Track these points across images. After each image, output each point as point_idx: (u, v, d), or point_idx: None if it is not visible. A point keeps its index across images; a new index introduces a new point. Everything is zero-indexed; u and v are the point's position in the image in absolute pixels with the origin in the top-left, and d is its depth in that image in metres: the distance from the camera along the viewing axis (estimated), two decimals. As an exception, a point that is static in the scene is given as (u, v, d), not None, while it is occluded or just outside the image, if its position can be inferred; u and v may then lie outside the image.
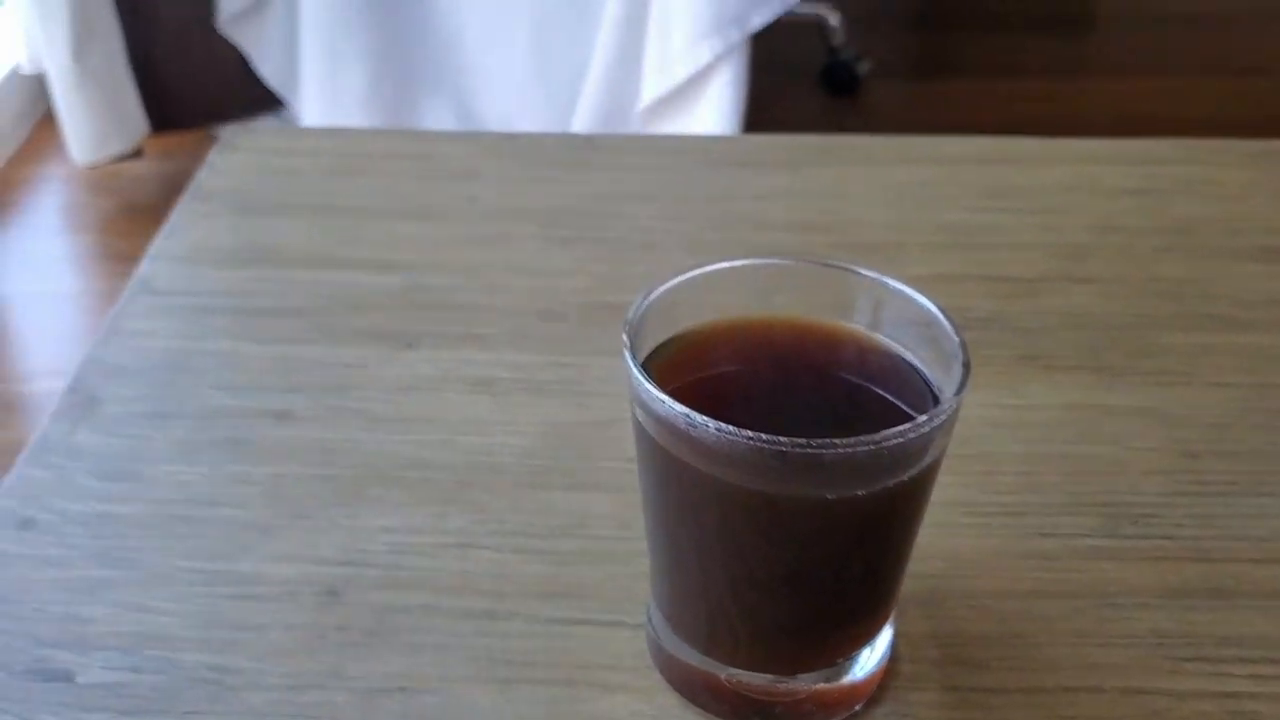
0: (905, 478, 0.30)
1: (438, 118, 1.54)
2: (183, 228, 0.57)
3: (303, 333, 0.51)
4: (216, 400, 0.47)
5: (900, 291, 0.33)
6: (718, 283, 0.34)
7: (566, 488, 0.43)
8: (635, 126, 1.41)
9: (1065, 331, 0.51)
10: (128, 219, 1.60)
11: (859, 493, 0.30)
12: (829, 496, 0.30)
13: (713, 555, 0.33)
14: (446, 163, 0.64)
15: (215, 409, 0.46)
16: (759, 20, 1.31)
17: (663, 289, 0.33)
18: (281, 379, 0.48)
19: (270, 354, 0.49)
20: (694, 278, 0.34)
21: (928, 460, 0.31)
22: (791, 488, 0.30)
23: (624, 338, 0.32)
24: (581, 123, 1.45)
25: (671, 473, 0.32)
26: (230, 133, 0.65)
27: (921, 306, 0.33)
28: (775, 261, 0.34)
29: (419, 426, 0.46)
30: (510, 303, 0.53)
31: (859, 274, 0.34)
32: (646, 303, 0.33)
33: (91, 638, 0.37)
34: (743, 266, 0.34)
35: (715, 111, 1.34)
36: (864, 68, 1.96)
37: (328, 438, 0.45)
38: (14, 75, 1.76)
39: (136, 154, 1.63)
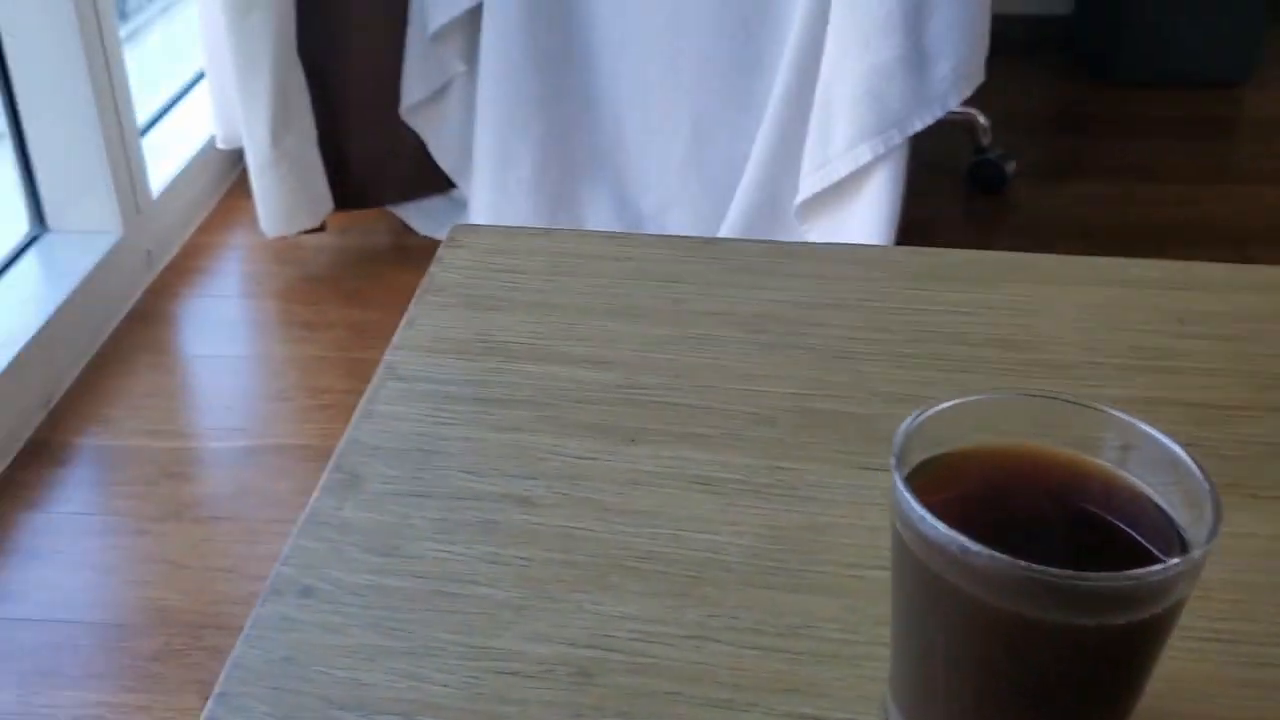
0: (1159, 610, 0.33)
1: (596, 204, 1.60)
2: (421, 318, 0.62)
3: (534, 423, 0.55)
4: (464, 483, 0.51)
5: (1149, 434, 0.36)
6: (974, 411, 0.37)
7: (791, 589, 0.46)
8: (790, 221, 1.45)
9: (1267, 461, 0.53)
10: (307, 288, 1.69)
11: (1114, 622, 0.32)
12: (1085, 624, 0.32)
13: (960, 666, 0.35)
14: (652, 266, 0.68)
15: (464, 491, 0.51)
16: (920, 124, 1.35)
17: (927, 415, 0.36)
18: (520, 466, 0.52)
19: (507, 441, 0.54)
20: (955, 406, 0.37)
21: (1177, 596, 0.33)
22: (1051, 613, 0.32)
23: (893, 459, 0.35)
24: (736, 215, 1.49)
25: (931, 587, 0.34)
26: (457, 230, 0.70)
27: (1168, 449, 0.35)
28: (1028, 396, 0.37)
29: (648, 519, 0.49)
30: (722, 404, 0.56)
31: (1109, 413, 0.36)
32: (913, 426, 0.36)
33: (373, 702, 0.41)
34: (998, 399, 0.37)
35: (872, 210, 1.37)
36: (1012, 167, 1.98)
37: (567, 525, 0.49)
38: (208, 149, 1.89)
39: (319, 228, 1.74)
